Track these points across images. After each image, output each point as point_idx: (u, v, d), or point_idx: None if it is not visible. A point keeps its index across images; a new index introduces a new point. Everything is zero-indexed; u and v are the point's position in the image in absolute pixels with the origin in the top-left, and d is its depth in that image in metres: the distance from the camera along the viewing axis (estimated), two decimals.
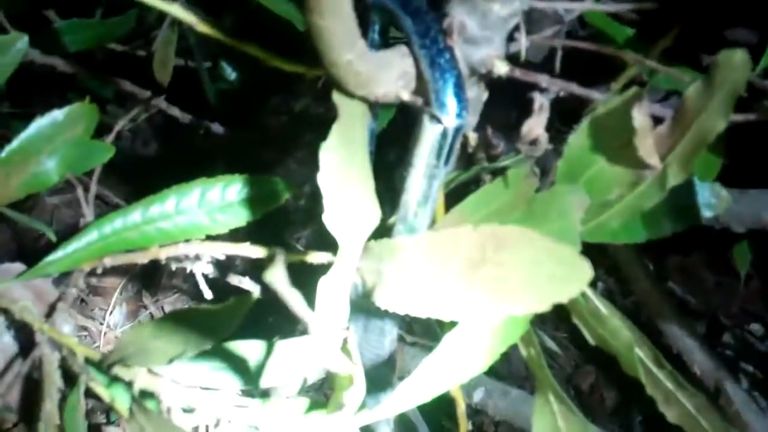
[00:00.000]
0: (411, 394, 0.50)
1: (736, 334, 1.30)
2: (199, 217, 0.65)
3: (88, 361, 0.60)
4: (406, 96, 0.51)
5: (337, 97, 0.50)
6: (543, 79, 0.52)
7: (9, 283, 0.66)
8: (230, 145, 1.29)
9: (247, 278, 0.73)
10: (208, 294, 0.66)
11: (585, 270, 0.45)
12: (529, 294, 0.46)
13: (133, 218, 0.65)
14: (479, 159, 0.67)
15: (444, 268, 0.49)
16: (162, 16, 1.09)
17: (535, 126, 0.53)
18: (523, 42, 0.54)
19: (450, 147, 0.51)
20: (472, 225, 0.56)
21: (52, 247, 0.67)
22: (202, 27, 0.52)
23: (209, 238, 0.66)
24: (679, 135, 0.52)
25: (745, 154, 0.80)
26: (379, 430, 0.64)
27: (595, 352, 0.58)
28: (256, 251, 0.63)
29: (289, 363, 0.60)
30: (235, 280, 0.73)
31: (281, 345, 0.62)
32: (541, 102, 0.53)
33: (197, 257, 0.65)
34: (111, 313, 1.42)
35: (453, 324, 0.50)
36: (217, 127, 1.15)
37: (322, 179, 0.49)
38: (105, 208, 1.50)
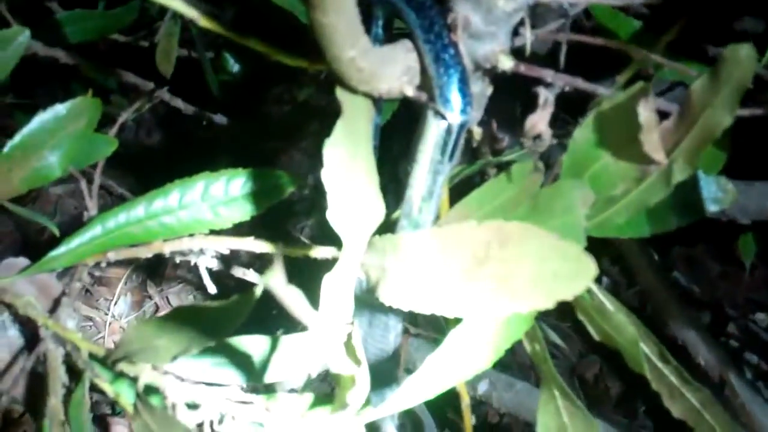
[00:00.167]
0: (415, 391, 0.50)
1: (741, 324, 1.30)
2: (203, 212, 0.65)
3: (92, 356, 0.60)
4: (410, 92, 0.51)
5: (340, 93, 0.50)
6: (548, 74, 0.52)
7: (13, 278, 0.66)
8: (234, 136, 1.29)
9: (251, 270, 0.73)
10: (211, 288, 0.66)
11: (590, 267, 0.45)
12: (534, 291, 0.46)
13: (136, 213, 0.65)
14: (484, 153, 0.67)
15: (448, 264, 0.49)
16: (165, 7, 1.09)
17: (539, 121, 0.53)
18: (527, 36, 0.53)
19: (454, 143, 0.51)
20: (477, 220, 0.56)
21: (55, 239, 0.67)
22: (204, 22, 0.51)
23: (213, 232, 0.66)
24: (685, 130, 0.52)
25: (749, 146, 0.79)
26: (383, 424, 0.64)
27: (600, 342, 0.58)
28: (260, 246, 0.63)
29: (293, 358, 0.60)
30: (239, 272, 0.73)
31: (285, 340, 0.62)
32: (545, 97, 0.53)
33: (201, 252, 0.65)
34: (116, 303, 1.42)
35: (458, 318, 0.50)
36: (220, 118, 1.15)
37: (326, 176, 0.48)
38: (109, 199, 1.50)
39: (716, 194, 0.65)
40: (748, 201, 0.81)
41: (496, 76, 0.55)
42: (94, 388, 0.61)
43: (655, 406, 0.59)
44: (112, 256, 0.66)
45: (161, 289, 1.45)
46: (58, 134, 0.64)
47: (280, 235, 1.30)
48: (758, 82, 0.64)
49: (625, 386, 1.33)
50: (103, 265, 0.67)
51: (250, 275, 0.74)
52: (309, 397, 0.57)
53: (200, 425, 0.51)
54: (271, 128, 1.38)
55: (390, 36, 0.56)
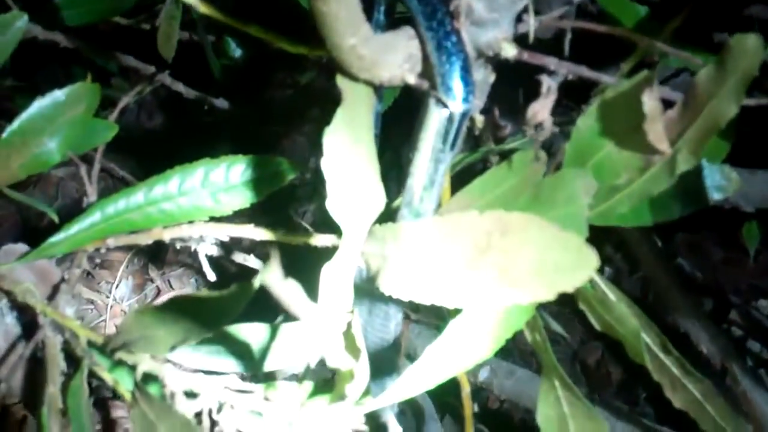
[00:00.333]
0: (415, 380, 0.49)
1: (743, 311, 1.30)
2: (203, 198, 0.65)
3: (91, 344, 0.60)
4: (411, 79, 0.50)
5: (341, 80, 0.50)
6: (551, 62, 0.51)
7: (12, 264, 0.66)
8: (235, 121, 1.29)
9: (252, 256, 0.73)
10: (211, 276, 0.66)
11: (591, 259, 0.44)
12: (536, 282, 0.45)
13: (136, 199, 0.65)
14: (486, 140, 0.66)
15: (449, 254, 0.48)
16: None
17: (541, 109, 0.52)
18: (531, 23, 0.53)
19: (456, 131, 0.51)
20: (478, 209, 0.55)
21: (55, 224, 0.66)
22: (204, 8, 0.51)
23: (213, 219, 0.65)
24: (690, 120, 0.51)
25: (753, 133, 0.79)
26: (383, 411, 0.64)
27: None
28: (260, 233, 0.63)
29: (293, 346, 0.60)
30: (239, 258, 0.73)
31: (285, 328, 0.62)
32: (548, 85, 0.52)
33: (201, 239, 0.65)
34: (117, 286, 1.42)
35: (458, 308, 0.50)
36: (221, 103, 1.14)
37: (326, 164, 0.48)
38: (110, 182, 1.50)
39: (720, 182, 0.65)
40: (752, 189, 0.81)
41: (498, 63, 0.54)
42: (94, 373, 0.61)
43: (657, 393, 0.58)
44: (111, 242, 0.66)
45: (163, 272, 1.45)
46: (57, 120, 0.64)
47: (281, 221, 1.30)
48: (765, 70, 0.63)
49: (627, 372, 1.33)
50: (103, 250, 0.67)
51: (250, 261, 0.74)
52: (308, 385, 0.57)
53: (198, 414, 0.51)
54: (273, 112, 1.37)
55: (392, 22, 0.55)
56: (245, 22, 0.53)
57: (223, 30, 1.18)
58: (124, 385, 0.59)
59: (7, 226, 1.40)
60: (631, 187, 0.55)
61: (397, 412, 0.65)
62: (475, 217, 0.48)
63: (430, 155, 0.52)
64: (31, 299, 0.63)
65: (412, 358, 0.97)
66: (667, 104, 0.52)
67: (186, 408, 0.51)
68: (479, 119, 0.56)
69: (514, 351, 1.26)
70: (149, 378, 0.55)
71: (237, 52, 1.16)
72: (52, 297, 0.67)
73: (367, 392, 0.50)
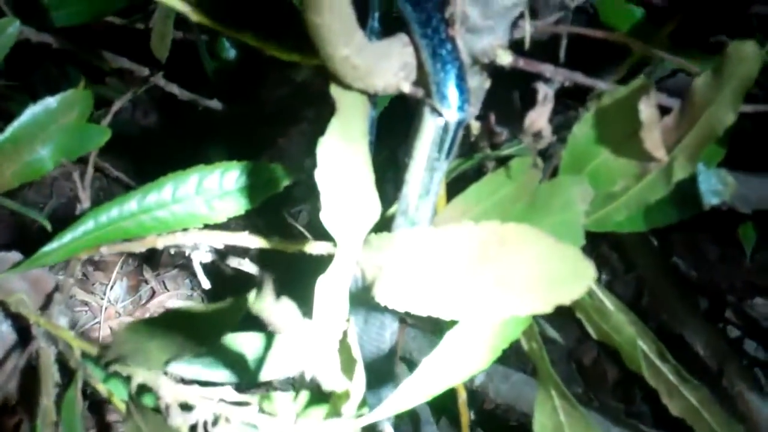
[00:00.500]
0: (412, 393, 0.49)
1: (739, 309, 1.30)
2: (197, 206, 0.64)
3: (85, 355, 0.59)
4: (406, 88, 0.50)
5: (335, 90, 0.49)
6: (547, 69, 0.51)
7: (5, 274, 0.65)
8: (230, 121, 1.28)
9: (246, 260, 0.72)
10: (206, 283, 0.65)
11: (589, 270, 0.44)
12: (533, 294, 0.45)
13: (129, 207, 0.64)
14: (482, 146, 0.65)
15: (445, 265, 0.48)
16: None
17: (539, 117, 0.52)
18: (527, 29, 0.52)
19: (452, 140, 0.50)
20: (475, 217, 0.55)
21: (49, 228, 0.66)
22: (196, 16, 0.50)
23: (207, 226, 0.65)
24: (686, 127, 0.51)
25: (749, 135, 0.78)
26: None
27: None
28: (255, 241, 0.63)
29: (288, 356, 0.60)
30: (234, 262, 0.72)
31: (281, 337, 0.61)
32: (545, 92, 0.52)
33: (195, 246, 0.64)
34: (112, 288, 1.41)
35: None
36: (215, 104, 1.14)
37: (320, 175, 0.48)
38: (104, 181, 1.49)
39: (716, 187, 0.64)
40: (749, 191, 0.80)
41: (494, 69, 0.54)
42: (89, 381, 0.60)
43: (653, 392, 0.58)
44: (104, 250, 0.66)
45: (157, 273, 1.45)
46: (49, 127, 0.63)
47: (275, 221, 1.29)
48: (764, 72, 0.63)
49: (623, 371, 1.33)
50: (97, 258, 0.66)
51: (245, 265, 0.74)
52: (304, 395, 0.56)
53: (194, 427, 0.51)
54: (268, 111, 1.36)
55: (386, 28, 0.55)
56: (239, 28, 0.52)
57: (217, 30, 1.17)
58: (119, 395, 0.59)
59: (1, 229, 1.39)
60: (627, 195, 0.55)
61: (392, 417, 0.65)
62: (471, 228, 0.47)
63: (426, 164, 0.52)
64: (24, 310, 0.63)
65: (408, 361, 0.96)
66: (663, 110, 0.51)
67: (181, 420, 0.50)
68: (475, 125, 0.55)
69: (509, 354, 1.26)
70: (144, 389, 0.54)
71: (231, 53, 1.15)
72: (45, 306, 0.67)
73: (363, 403, 0.50)
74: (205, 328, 0.48)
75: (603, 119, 0.53)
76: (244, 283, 0.75)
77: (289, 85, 1.39)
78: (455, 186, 0.63)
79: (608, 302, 0.56)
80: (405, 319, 1.01)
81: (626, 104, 0.51)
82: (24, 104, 0.64)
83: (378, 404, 0.50)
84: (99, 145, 0.73)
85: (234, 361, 0.59)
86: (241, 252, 0.71)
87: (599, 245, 1.28)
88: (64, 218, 0.67)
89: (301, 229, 1.06)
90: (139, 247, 0.66)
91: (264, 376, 0.59)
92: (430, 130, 0.50)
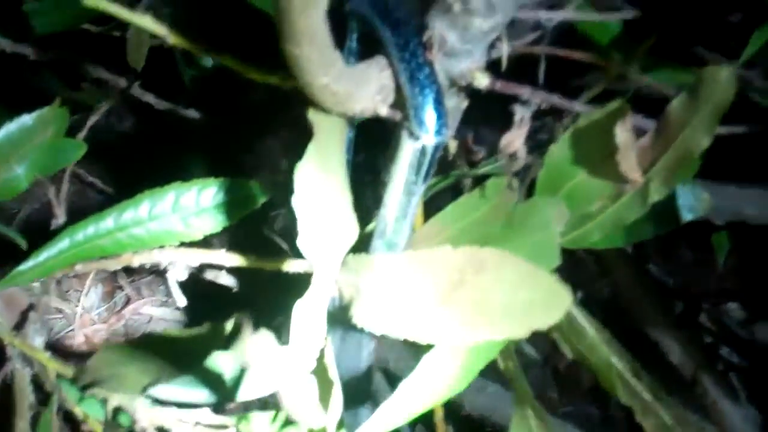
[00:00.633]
0: (389, 416, 0.49)
1: (713, 314, 1.31)
2: (174, 223, 0.64)
3: (60, 376, 0.59)
4: (384, 111, 0.50)
5: (312, 114, 0.49)
6: (525, 91, 0.51)
7: None
8: (208, 130, 1.27)
9: (223, 272, 0.72)
10: (182, 301, 0.65)
11: (565, 297, 0.44)
12: (509, 319, 0.45)
13: (105, 225, 0.64)
14: (459, 164, 0.66)
15: (422, 289, 0.48)
16: None
17: (515, 139, 0.52)
18: (504, 51, 0.52)
19: (429, 164, 0.50)
20: (452, 236, 0.55)
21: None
22: (174, 39, 0.50)
23: (184, 243, 0.65)
24: (662, 149, 0.51)
25: (723, 146, 0.79)
26: None
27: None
28: (232, 259, 0.63)
29: (266, 378, 0.60)
30: (211, 275, 0.72)
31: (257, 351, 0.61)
32: (521, 115, 0.52)
33: (171, 264, 0.64)
34: (86, 294, 1.40)
35: None
36: (192, 113, 1.13)
37: (297, 201, 0.47)
38: (79, 186, 1.48)
39: (692, 203, 0.65)
40: (722, 202, 0.81)
41: (472, 90, 0.54)
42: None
43: None
44: (80, 268, 0.65)
45: (132, 279, 1.44)
46: (24, 146, 0.63)
47: (253, 230, 1.28)
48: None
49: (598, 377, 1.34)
50: (71, 275, 0.66)
51: (222, 278, 0.74)
52: (282, 415, 0.56)
53: None
54: (246, 118, 1.36)
55: (364, 48, 0.55)
56: (216, 50, 0.52)
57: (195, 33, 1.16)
58: (95, 416, 0.58)
59: None
60: (603, 215, 0.55)
61: None
62: (448, 253, 0.48)
63: (403, 187, 0.52)
64: None
65: (385, 371, 0.96)
66: (639, 132, 0.52)
67: None
68: (452, 144, 0.55)
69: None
70: (120, 410, 0.54)
71: (208, 61, 1.14)
72: (20, 324, 0.66)
73: (341, 424, 0.50)
74: (183, 354, 0.48)
75: (579, 141, 0.54)
76: (221, 294, 0.75)
77: (267, 89, 1.39)
78: (432, 203, 0.63)
79: (583, 321, 0.57)
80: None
81: (602, 127, 0.51)
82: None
83: (355, 423, 0.50)
84: (75, 159, 0.73)
85: (212, 381, 0.59)
86: (217, 265, 0.71)
87: (575, 250, 1.29)
88: (38, 225, 0.66)
89: (280, 241, 1.05)
90: (115, 265, 0.65)
91: (242, 396, 0.59)
92: (407, 153, 0.50)
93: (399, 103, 0.50)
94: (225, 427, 0.51)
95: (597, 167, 0.54)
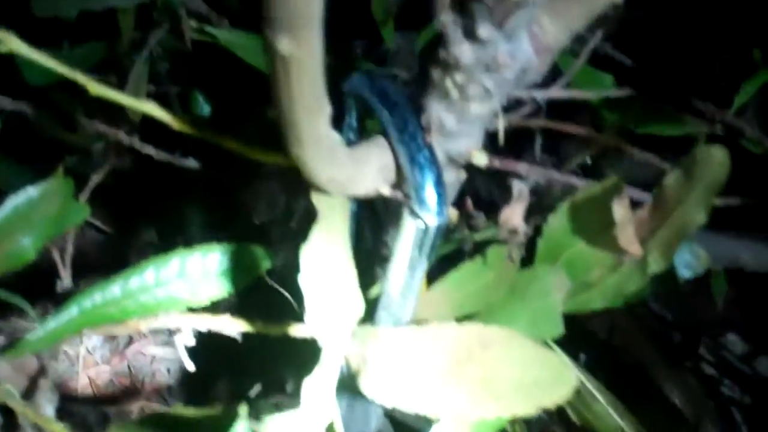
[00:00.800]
0: None
1: (712, 346, 1.31)
2: (180, 290, 0.65)
3: None
4: (386, 191, 0.51)
5: (315, 197, 0.50)
6: (522, 168, 0.52)
7: None
8: (206, 171, 1.28)
9: (228, 316, 0.73)
10: (190, 366, 0.66)
11: (570, 377, 0.45)
12: (516, 397, 0.46)
13: (112, 292, 0.65)
14: (460, 229, 0.67)
15: (429, 364, 0.49)
16: (134, 42, 1.08)
17: (514, 214, 0.53)
18: (501, 126, 0.53)
19: (431, 242, 0.51)
20: (455, 304, 0.57)
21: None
22: (178, 125, 0.51)
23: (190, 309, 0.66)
24: (659, 221, 0.52)
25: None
26: None
27: None
28: (237, 325, 0.63)
29: None
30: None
31: (270, 421, 0.62)
32: (519, 189, 0.53)
33: (178, 329, 0.65)
34: (89, 335, 1.40)
35: None
36: (191, 162, 1.14)
37: (304, 282, 0.49)
38: (78, 226, 1.48)
39: (689, 261, 0.66)
40: (720, 250, 0.82)
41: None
42: None
43: None
44: (87, 333, 0.66)
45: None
46: (31, 217, 0.63)
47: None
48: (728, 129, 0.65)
49: None
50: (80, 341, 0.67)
51: (228, 327, 0.74)
52: None
53: None
54: (245, 160, 1.37)
55: (363, 125, 0.56)
56: (220, 133, 0.53)
57: (191, 83, 1.18)
58: None
59: None
60: (604, 284, 0.56)
61: None
62: (455, 329, 0.49)
63: (407, 263, 0.53)
64: (11, 401, 0.63)
65: (391, 417, 0.97)
66: (635, 203, 0.53)
67: None
68: (453, 213, 0.56)
69: None
70: None
71: (204, 108, 1.15)
72: (29, 390, 0.67)
73: None
74: None
75: (577, 212, 0.55)
76: (228, 345, 0.76)
77: (260, 123, 1.40)
78: (435, 267, 0.64)
79: (590, 389, 0.58)
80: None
81: (599, 200, 0.52)
82: None
83: None
84: (78, 222, 0.74)
85: None
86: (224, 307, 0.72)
87: None
88: (41, 280, 0.67)
89: (285, 293, 1.06)
90: (121, 330, 0.66)
91: None
92: (410, 231, 0.51)
93: (399, 183, 0.51)
94: None
95: (595, 238, 0.55)
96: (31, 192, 0.64)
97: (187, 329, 0.65)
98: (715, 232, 0.77)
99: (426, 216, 0.50)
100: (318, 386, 0.49)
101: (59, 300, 0.75)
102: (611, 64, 0.83)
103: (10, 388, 0.63)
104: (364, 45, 1.28)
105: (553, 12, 0.43)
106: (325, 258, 0.49)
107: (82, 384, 1.36)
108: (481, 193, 0.71)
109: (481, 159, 0.52)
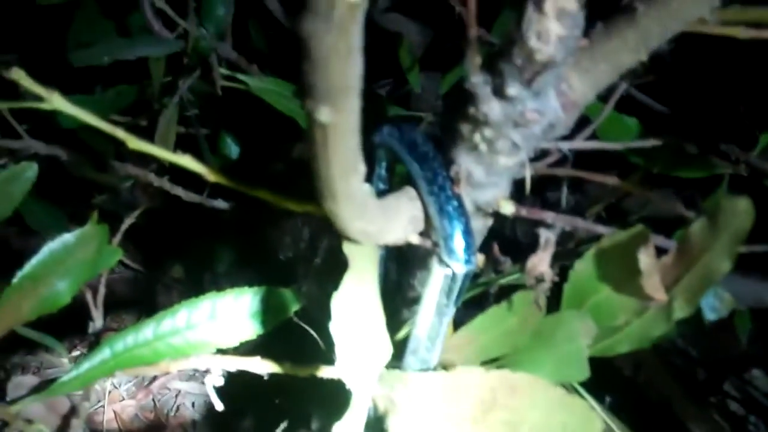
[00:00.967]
0: None
1: (737, 382, 1.31)
2: (210, 332, 0.66)
3: None
4: (415, 240, 0.52)
5: (347, 247, 0.51)
6: (548, 216, 0.53)
7: (24, 402, 0.67)
8: (236, 217, 1.30)
9: (258, 358, 0.74)
10: (219, 406, 0.67)
11: (597, 423, 0.46)
12: None
13: (144, 335, 0.66)
14: (486, 273, 0.68)
15: (456, 407, 0.50)
16: (164, 87, 1.10)
17: (540, 262, 0.54)
18: (528, 176, 0.54)
19: (459, 289, 0.52)
20: (481, 347, 0.57)
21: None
22: (213, 177, 0.52)
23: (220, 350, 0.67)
24: (684, 268, 0.53)
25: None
26: None
27: None
28: (266, 366, 0.65)
29: None
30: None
31: None
32: (546, 237, 0.54)
33: (208, 371, 0.66)
34: None
35: None
36: (220, 203, 1.16)
37: (335, 328, 0.50)
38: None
39: (714, 304, 0.67)
40: (744, 290, 0.82)
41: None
42: None
43: None
44: (119, 374, 0.67)
45: None
46: (66, 262, 0.65)
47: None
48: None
49: None
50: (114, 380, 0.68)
51: (255, 367, 0.75)
52: None
53: None
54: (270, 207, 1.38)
55: (393, 174, 0.57)
56: (252, 185, 0.54)
57: (220, 125, 1.20)
58: None
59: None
60: (630, 329, 0.57)
61: None
62: (481, 375, 0.50)
63: (434, 309, 0.54)
64: None
65: None
66: (660, 251, 0.54)
67: None
68: (480, 258, 0.57)
69: None
70: None
71: (233, 150, 1.17)
72: (61, 430, 0.68)
73: None
74: None
75: (603, 259, 0.56)
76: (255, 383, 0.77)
77: (286, 160, 1.42)
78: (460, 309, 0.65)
79: (615, 429, 0.58)
80: None
81: (625, 248, 0.53)
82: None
83: None
84: (110, 265, 0.75)
85: None
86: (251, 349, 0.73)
87: None
88: (70, 315, 0.69)
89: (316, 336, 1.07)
90: (152, 371, 0.68)
91: None
92: (438, 278, 0.52)
93: (428, 232, 0.52)
94: None
95: (621, 284, 0.56)
96: (67, 238, 0.65)
97: (217, 370, 0.66)
98: (739, 274, 0.78)
99: (454, 264, 0.51)
100: (348, 430, 0.50)
101: (89, 337, 0.77)
102: (636, 105, 0.84)
103: (43, 428, 0.64)
104: (388, 84, 1.30)
105: (581, 69, 0.44)
106: (355, 305, 0.51)
107: (107, 418, 1.37)
108: (506, 232, 0.72)
109: (508, 208, 0.53)
